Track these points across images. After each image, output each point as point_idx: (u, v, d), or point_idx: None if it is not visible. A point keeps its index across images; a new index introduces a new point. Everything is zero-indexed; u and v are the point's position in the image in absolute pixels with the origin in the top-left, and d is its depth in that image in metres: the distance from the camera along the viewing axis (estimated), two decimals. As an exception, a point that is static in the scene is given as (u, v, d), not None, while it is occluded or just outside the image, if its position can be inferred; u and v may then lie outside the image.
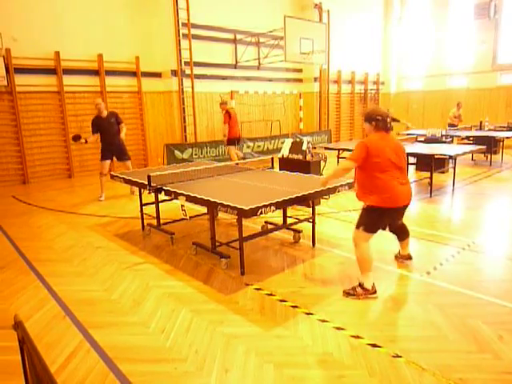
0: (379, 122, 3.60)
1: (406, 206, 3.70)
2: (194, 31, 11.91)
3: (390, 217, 3.71)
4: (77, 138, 7.63)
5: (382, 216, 3.61)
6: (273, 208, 3.74)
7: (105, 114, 7.80)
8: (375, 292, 3.61)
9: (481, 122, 13.31)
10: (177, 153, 11.37)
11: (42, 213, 6.97)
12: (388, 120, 3.63)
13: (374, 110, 3.68)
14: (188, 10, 11.55)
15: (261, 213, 3.63)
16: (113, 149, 7.91)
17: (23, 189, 9.29)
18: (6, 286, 4.05)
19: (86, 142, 7.76)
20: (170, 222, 5.71)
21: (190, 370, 2.67)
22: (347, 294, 3.63)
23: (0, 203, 7.79)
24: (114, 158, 8.10)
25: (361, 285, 3.60)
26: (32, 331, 3.18)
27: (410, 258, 4.31)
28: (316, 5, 14.93)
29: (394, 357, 2.74)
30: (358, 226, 3.67)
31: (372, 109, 3.74)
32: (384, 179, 3.50)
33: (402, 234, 4.19)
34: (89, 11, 10.42)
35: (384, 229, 3.86)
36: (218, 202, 3.82)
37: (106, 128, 7.78)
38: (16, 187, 9.46)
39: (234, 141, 10.02)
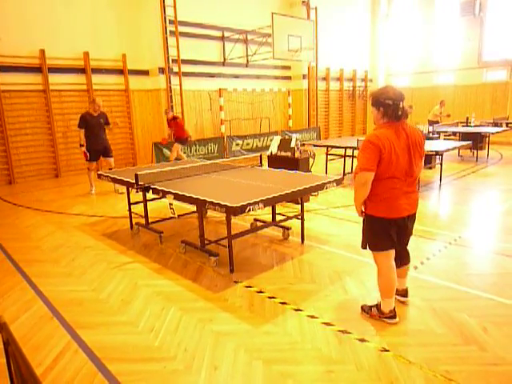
0: (389, 108, 2.82)
1: (411, 217, 3.09)
2: (181, 28, 11.85)
3: (392, 229, 3.00)
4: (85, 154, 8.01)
5: (383, 227, 2.98)
6: (261, 205, 3.75)
7: (98, 112, 7.94)
8: (393, 317, 3.10)
9: (467, 118, 13.48)
10: (165, 151, 11.30)
11: (30, 213, 6.88)
12: (401, 105, 2.82)
13: (384, 92, 2.87)
14: (175, 6, 11.48)
15: (249, 210, 3.63)
16: (99, 148, 8.04)
17: (9, 189, 9.16)
18: (-8, 288, 4.00)
19: (82, 145, 7.96)
20: (158, 221, 5.68)
21: (179, 369, 2.67)
22: (362, 310, 3.28)
23: (-14, 204, 7.67)
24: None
25: (378, 305, 3.18)
26: (19, 332, 3.15)
27: (406, 294, 3.43)
28: (304, 2, 14.95)
29: (381, 351, 2.77)
30: (363, 245, 3.16)
31: (381, 89, 2.93)
32: (388, 186, 2.88)
33: (401, 257, 3.28)
34: (75, 9, 10.30)
35: (392, 247, 3.08)
36: (207, 200, 3.82)
37: (94, 126, 7.88)
38: (2, 188, 9.33)
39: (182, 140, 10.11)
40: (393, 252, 3.10)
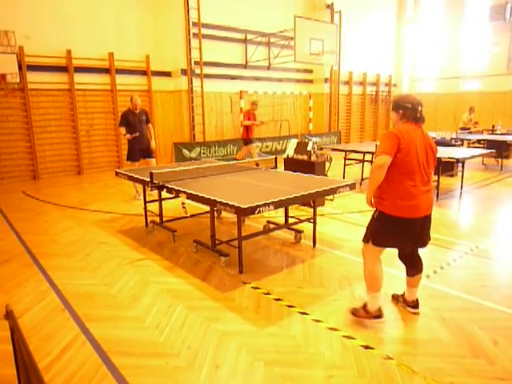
0: (408, 110, 2.98)
1: (427, 218, 3.08)
2: (204, 31, 11.98)
3: (405, 229, 3.00)
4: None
5: (395, 227, 2.99)
6: (271, 207, 3.75)
7: (138, 109, 7.57)
8: (380, 316, 3.14)
9: (493, 126, 13.15)
10: (185, 151, 11.44)
11: (50, 208, 7.07)
12: (419, 109, 2.99)
13: (404, 97, 3.09)
14: (199, 9, 11.63)
15: (259, 211, 3.64)
16: (141, 148, 7.61)
17: (33, 184, 9.44)
18: (9, 279, 4.13)
19: (126, 135, 7.52)
20: (173, 220, 5.75)
21: (181, 365, 2.69)
22: (351, 313, 3.27)
23: (10, 198, 7.92)
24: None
25: (364, 306, 3.20)
26: (31, 322, 3.25)
27: (416, 305, 3.35)
28: (328, 5, 14.89)
29: (385, 359, 2.73)
30: (365, 239, 3.16)
31: (401, 95, 3.18)
32: (406, 183, 2.91)
33: (413, 265, 3.29)
34: (100, 10, 10.56)
35: (401, 247, 3.17)
36: (217, 200, 3.85)
37: (136, 124, 7.48)
38: (26, 183, 9.62)
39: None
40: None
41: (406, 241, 3.07)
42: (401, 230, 3.00)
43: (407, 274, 3.35)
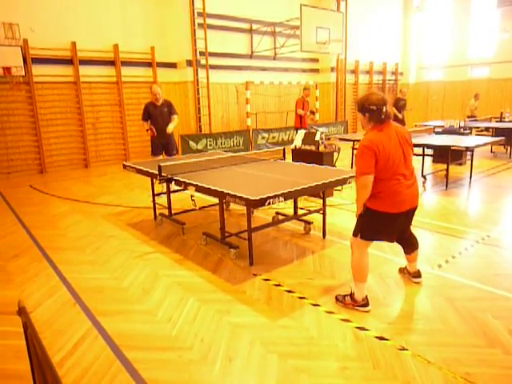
0: (374, 112, 3.00)
1: (412, 210, 3.22)
2: (209, 21, 11.87)
3: (394, 223, 3.15)
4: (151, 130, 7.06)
5: (383, 222, 3.11)
6: (281, 199, 3.72)
7: (160, 101, 7.02)
8: (366, 305, 3.21)
9: (501, 114, 12.97)
10: (191, 143, 11.41)
11: (58, 202, 7.09)
12: (384, 109, 2.99)
13: (368, 98, 3.04)
14: (203, -1, 11.51)
15: (269, 203, 3.60)
16: (163, 142, 7.15)
17: (40, 178, 9.46)
18: (20, 273, 4.14)
19: (148, 130, 7.10)
20: (181, 212, 5.74)
21: (195, 359, 2.69)
22: (336, 299, 3.36)
23: (17, 192, 7.95)
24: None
25: (351, 294, 3.28)
26: (43, 317, 3.26)
27: (418, 275, 3.66)
28: (334, -7, 14.69)
29: (399, 350, 2.71)
30: (354, 233, 3.24)
31: (365, 96, 3.10)
32: (390, 183, 3.00)
33: (409, 245, 3.54)
34: (105, 1, 10.47)
35: (389, 240, 3.30)
36: (226, 192, 3.82)
37: (158, 116, 7.00)
38: (33, 176, 9.65)
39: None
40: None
41: (392, 234, 3.24)
42: (387, 224, 3.15)
43: (405, 253, 3.61)
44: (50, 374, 1.52)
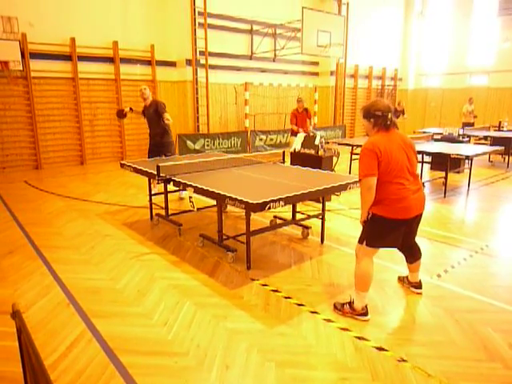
0: (379, 118, 3.02)
1: (419, 217, 3.19)
2: (210, 20, 11.81)
3: (400, 229, 3.11)
4: (120, 113, 6.97)
5: (389, 228, 3.07)
6: (281, 203, 3.67)
7: (148, 102, 6.82)
8: (365, 314, 3.16)
9: (500, 123, 13.01)
10: (189, 143, 11.34)
11: (53, 199, 7.00)
12: (389, 116, 3.03)
13: (374, 104, 3.08)
14: (205, -2, 11.45)
15: (269, 207, 3.56)
16: (154, 143, 6.92)
17: (36, 174, 9.35)
18: (14, 271, 4.06)
19: (131, 109, 6.98)
20: (178, 213, 5.68)
21: (191, 365, 2.63)
22: (335, 307, 3.30)
23: (12, 188, 7.85)
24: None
25: (350, 303, 3.23)
26: (36, 317, 3.19)
27: (419, 286, 3.60)
28: (336, -3, 14.69)
29: (399, 361, 2.67)
30: (360, 241, 3.20)
31: (371, 102, 3.14)
32: (395, 188, 2.97)
33: (412, 254, 3.51)
34: (105, -2, 10.39)
35: (395, 246, 3.24)
36: (227, 195, 3.76)
37: (147, 118, 6.90)
38: (29, 172, 9.54)
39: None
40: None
41: (398, 240, 3.18)
42: (393, 231, 3.11)
43: (407, 262, 3.57)
44: (44, 380, 1.46)
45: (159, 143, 6.85)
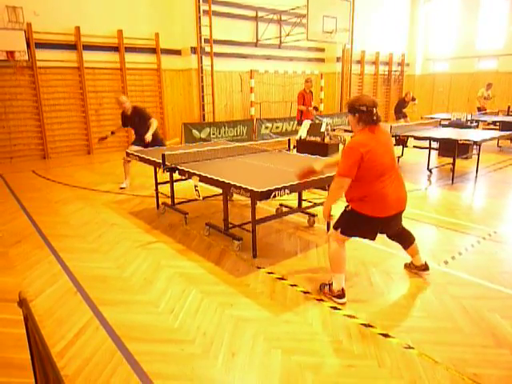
0: (363, 113, 2.99)
1: (399, 214, 3.22)
2: (214, 7, 11.68)
3: (376, 226, 3.15)
4: (103, 138, 7.26)
5: (368, 224, 3.12)
6: (287, 191, 3.66)
7: (128, 110, 6.84)
8: (341, 297, 3.20)
9: (509, 107, 12.82)
10: (195, 132, 11.31)
11: (60, 188, 7.04)
12: (374, 111, 3.00)
13: (359, 99, 3.06)
14: (209, -15, 11.31)
15: (274, 196, 3.54)
16: (146, 146, 6.66)
17: (43, 164, 9.41)
18: (21, 260, 4.10)
19: (113, 133, 7.31)
20: (184, 202, 5.68)
21: (197, 352, 2.65)
22: (320, 288, 3.40)
23: (20, 177, 7.90)
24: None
25: (330, 285, 3.29)
26: (44, 305, 3.22)
27: (426, 268, 3.61)
28: (341, -19, 14.41)
29: (406, 348, 2.66)
30: (335, 227, 3.25)
31: (356, 97, 3.12)
32: (376, 186, 2.99)
33: (404, 240, 3.55)
34: (109, -15, 10.30)
35: (369, 239, 3.27)
36: (232, 183, 3.75)
37: (134, 126, 6.92)
38: (36, 162, 9.60)
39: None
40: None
41: (374, 234, 3.22)
42: (372, 227, 3.16)
43: (404, 248, 3.60)
44: (50, 368, 1.48)
45: (154, 143, 6.68)
